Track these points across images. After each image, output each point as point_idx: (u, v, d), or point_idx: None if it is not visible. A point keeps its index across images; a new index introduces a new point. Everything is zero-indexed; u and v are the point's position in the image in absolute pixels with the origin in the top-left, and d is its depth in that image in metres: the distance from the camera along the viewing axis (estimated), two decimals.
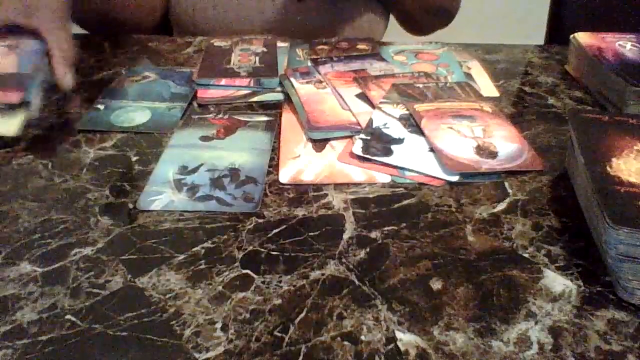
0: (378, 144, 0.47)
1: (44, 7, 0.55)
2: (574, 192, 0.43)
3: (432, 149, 0.47)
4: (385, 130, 0.49)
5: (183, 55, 0.68)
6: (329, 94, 0.56)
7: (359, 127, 0.50)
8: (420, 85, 0.57)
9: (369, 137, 0.48)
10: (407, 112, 0.52)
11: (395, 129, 0.49)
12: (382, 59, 0.64)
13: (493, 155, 0.46)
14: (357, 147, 0.47)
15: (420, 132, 0.49)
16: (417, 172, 0.45)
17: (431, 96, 0.54)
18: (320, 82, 0.59)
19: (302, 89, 0.57)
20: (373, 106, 0.53)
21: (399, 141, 0.48)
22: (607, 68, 0.56)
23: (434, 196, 0.43)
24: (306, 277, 0.35)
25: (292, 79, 0.59)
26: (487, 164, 0.45)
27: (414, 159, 0.46)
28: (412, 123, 0.50)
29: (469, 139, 0.48)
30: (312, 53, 0.66)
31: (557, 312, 0.33)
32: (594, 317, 0.33)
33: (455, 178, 0.44)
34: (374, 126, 0.50)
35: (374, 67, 0.62)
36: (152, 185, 0.44)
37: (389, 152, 0.46)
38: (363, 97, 0.55)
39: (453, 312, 0.33)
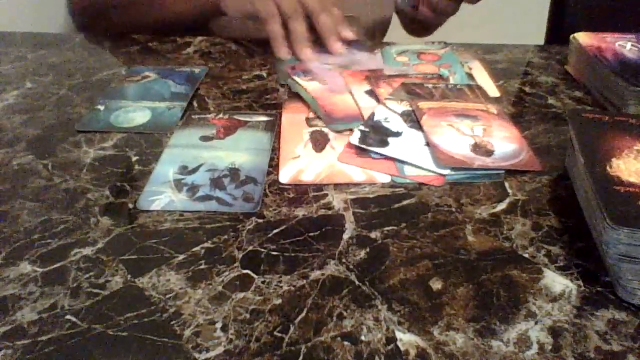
0: (376, 135, 0.48)
1: None
2: (574, 192, 0.43)
3: (427, 144, 0.47)
4: (384, 124, 0.50)
5: (183, 56, 0.68)
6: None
7: None
8: (430, 85, 0.57)
9: (367, 129, 0.49)
10: (410, 108, 0.52)
11: (395, 123, 0.50)
12: (366, 49, 0.65)
13: (489, 153, 0.46)
14: (355, 138, 0.47)
15: (420, 128, 0.49)
16: (410, 164, 0.45)
17: (438, 96, 0.55)
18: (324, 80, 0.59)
19: (309, 85, 0.58)
20: (379, 102, 0.54)
21: (397, 134, 0.48)
22: (607, 68, 0.56)
23: (434, 196, 0.43)
24: (306, 277, 0.35)
25: (296, 77, 0.59)
26: (481, 161, 0.45)
27: (408, 152, 0.46)
28: (413, 119, 0.51)
29: (467, 136, 0.48)
30: None
31: (557, 312, 0.33)
32: (594, 317, 0.33)
33: (446, 171, 0.44)
34: (374, 119, 0.50)
35: (358, 59, 0.63)
36: (152, 185, 0.44)
37: (384, 144, 0.46)
38: (372, 93, 0.56)
39: (453, 312, 0.33)
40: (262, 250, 0.37)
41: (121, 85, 0.60)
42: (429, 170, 0.45)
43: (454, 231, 0.39)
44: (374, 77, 0.59)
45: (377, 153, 0.46)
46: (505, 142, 0.48)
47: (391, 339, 0.31)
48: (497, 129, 0.50)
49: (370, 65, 0.62)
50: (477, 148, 0.47)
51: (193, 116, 0.54)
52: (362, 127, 0.49)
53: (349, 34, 0.66)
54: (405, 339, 0.31)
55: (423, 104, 0.52)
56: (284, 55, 0.64)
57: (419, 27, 0.87)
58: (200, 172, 0.45)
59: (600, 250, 0.36)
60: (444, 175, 0.44)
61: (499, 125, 0.50)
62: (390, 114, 0.51)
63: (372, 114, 0.51)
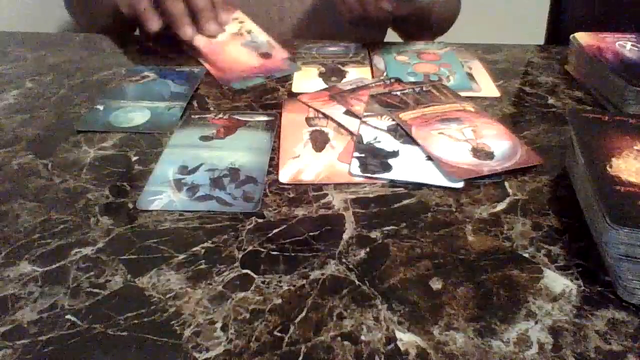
0: (374, 160, 0.46)
1: None
2: (574, 192, 0.43)
3: (429, 157, 0.47)
4: (377, 145, 0.48)
5: (183, 56, 0.68)
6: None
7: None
8: (398, 93, 0.56)
9: (363, 155, 0.47)
10: (393, 122, 0.51)
11: (387, 142, 0.48)
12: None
13: (490, 155, 0.46)
14: (355, 167, 0.45)
15: (413, 142, 0.48)
16: (424, 184, 0.44)
17: (412, 103, 0.54)
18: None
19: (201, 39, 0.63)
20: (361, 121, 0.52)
21: (395, 154, 0.47)
22: (607, 68, 0.56)
23: (434, 196, 0.43)
24: (306, 277, 0.35)
25: None
26: (488, 166, 0.45)
27: (414, 170, 0.45)
28: (402, 133, 0.50)
29: (462, 142, 0.48)
30: None
31: (557, 312, 0.33)
32: (594, 317, 0.33)
33: (461, 184, 0.44)
34: (365, 142, 0.48)
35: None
36: (152, 185, 0.44)
37: (387, 167, 0.45)
38: (351, 113, 0.54)
39: (453, 312, 0.33)
40: (262, 250, 0.37)
41: (121, 85, 0.60)
42: (443, 187, 0.44)
43: (454, 231, 0.39)
44: (337, 95, 0.56)
45: (385, 179, 0.44)
46: (498, 140, 0.48)
47: (391, 339, 0.31)
48: (484, 127, 0.50)
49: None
50: (477, 152, 0.46)
51: (193, 116, 0.54)
52: (357, 154, 0.47)
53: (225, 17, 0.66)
54: (405, 338, 0.31)
55: (404, 115, 0.52)
56: (189, 35, 0.63)
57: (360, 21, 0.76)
58: (200, 172, 0.45)
59: (600, 250, 0.37)
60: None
61: (483, 123, 0.51)
62: (377, 132, 0.50)
63: (360, 136, 0.49)
